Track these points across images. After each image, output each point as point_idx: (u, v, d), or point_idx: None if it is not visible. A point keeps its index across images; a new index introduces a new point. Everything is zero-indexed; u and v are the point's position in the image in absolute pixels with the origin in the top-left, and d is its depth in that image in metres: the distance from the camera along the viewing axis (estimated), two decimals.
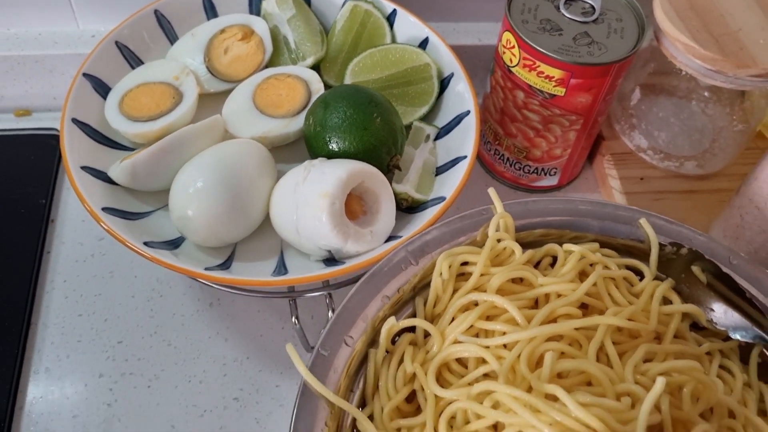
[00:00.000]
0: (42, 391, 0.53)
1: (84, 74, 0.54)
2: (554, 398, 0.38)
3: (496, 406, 0.39)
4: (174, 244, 0.50)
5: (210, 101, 0.58)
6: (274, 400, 0.54)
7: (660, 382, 0.37)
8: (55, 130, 0.66)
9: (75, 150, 0.51)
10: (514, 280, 0.46)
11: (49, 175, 0.63)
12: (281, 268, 0.50)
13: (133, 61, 0.58)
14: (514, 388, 0.38)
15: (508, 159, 0.64)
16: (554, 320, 0.43)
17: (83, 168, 0.50)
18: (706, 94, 0.66)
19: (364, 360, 0.44)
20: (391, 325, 0.44)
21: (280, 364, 0.56)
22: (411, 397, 0.44)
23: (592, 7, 0.57)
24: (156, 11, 0.59)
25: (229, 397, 0.54)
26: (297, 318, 0.52)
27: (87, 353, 0.55)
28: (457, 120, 0.56)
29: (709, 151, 0.65)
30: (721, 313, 0.47)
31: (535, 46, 0.54)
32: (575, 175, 0.68)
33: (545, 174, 0.64)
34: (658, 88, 0.67)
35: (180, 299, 0.58)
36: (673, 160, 0.64)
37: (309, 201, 0.47)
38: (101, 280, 0.59)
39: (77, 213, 0.62)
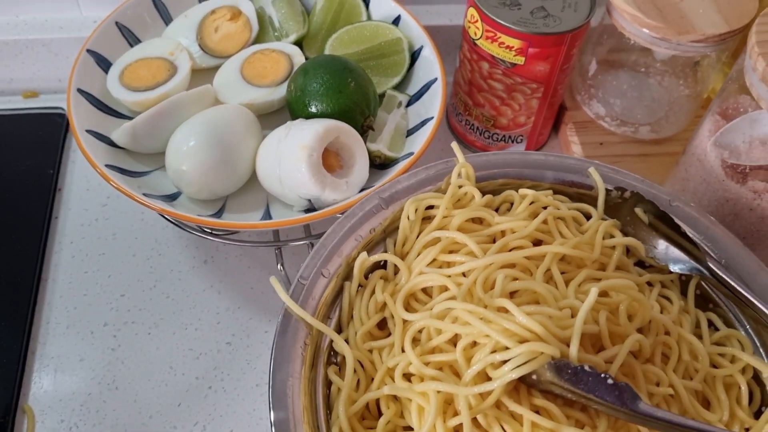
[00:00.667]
0: (51, 338, 0.58)
1: (88, 50, 0.60)
2: (506, 312, 0.43)
3: (454, 322, 0.45)
4: (171, 197, 0.56)
5: (202, 76, 0.64)
6: (263, 344, 0.59)
7: (593, 292, 0.42)
8: (61, 108, 0.71)
9: (80, 115, 0.56)
10: (474, 220, 0.51)
11: (56, 148, 0.69)
12: (267, 217, 0.56)
13: (132, 40, 0.64)
14: (469, 303, 0.44)
15: (477, 128, 0.70)
16: (509, 252, 0.49)
17: (88, 131, 0.56)
18: (660, 66, 0.71)
19: (340, 292, 0.49)
20: (364, 259, 0.49)
21: (268, 312, 0.61)
22: (382, 325, 0.49)
23: None
24: None
25: (222, 342, 0.59)
26: (282, 265, 0.57)
27: (92, 305, 0.60)
28: (426, 87, 0.62)
29: (663, 118, 0.70)
30: (662, 250, 0.52)
31: (495, 18, 0.60)
32: (542, 143, 0.73)
33: (512, 141, 0.70)
34: (617, 64, 0.72)
35: (177, 257, 0.63)
36: (629, 125, 0.70)
37: (290, 153, 0.52)
38: (105, 242, 0.64)
39: (82, 182, 0.67)
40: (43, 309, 0.60)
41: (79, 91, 0.58)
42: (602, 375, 0.40)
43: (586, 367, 0.40)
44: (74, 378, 0.56)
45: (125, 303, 0.61)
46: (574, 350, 0.41)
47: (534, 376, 0.41)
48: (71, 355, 0.57)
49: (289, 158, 0.52)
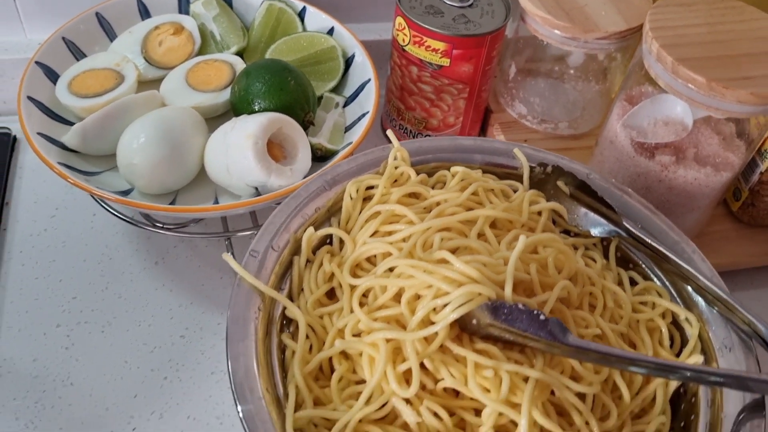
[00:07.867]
0: (3, 342, 0.58)
1: (36, 62, 0.63)
2: (445, 263, 0.47)
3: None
4: (123, 194, 0.58)
5: (148, 87, 0.66)
6: (216, 335, 0.61)
7: (522, 239, 0.47)
8: (7, 128, 0.73)
9: (31, 119, 0.59)
10: (410, 195, 0.55)
11: (3, 166, 0.70)
12: None
13: (78, 55, 0.67)
14: (411, 259, 0.47)
15: (411, 131, 0.75)
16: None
17: (39, 134, 0.58)
18: (574, 73, 0.78)
19: (289, 267, 0.52)
20: (311, 234, 0.52)
21: (221, 306, 0.63)
22: (331, 295, 0.52)
23: None
24: (97, 13, 0.68)
25: (176, 335, 0.61)
26: (233, 254, 0.60)
27: (44, 308, 0.61)
28: (361, 88, 0.67)
29: (580, 117, 0.77)
30: (583, 216, 0.57)
31: (421, 24, 0.65)
32: None
33: None
34: (535, 72, 0.79)
35: (128, 260, 0.65)
36: (549, 123, 0.76)
37: (237, 142, 0.56)
38: (54, 249, 0.65)
39: (30, 196, 0.69)
40: None
41: (29, 98, 0.60)
42: (535, 312, 0.44)
43: (520, 305, 0.44)
44: (28, 377, 0.57)
45: (77, 305, 0.62)
46: (508, 290, 0.45)
47: (474, 322, 0.45)
48: (24, 356, 0.58)
49: (236, 147, 0.56)
